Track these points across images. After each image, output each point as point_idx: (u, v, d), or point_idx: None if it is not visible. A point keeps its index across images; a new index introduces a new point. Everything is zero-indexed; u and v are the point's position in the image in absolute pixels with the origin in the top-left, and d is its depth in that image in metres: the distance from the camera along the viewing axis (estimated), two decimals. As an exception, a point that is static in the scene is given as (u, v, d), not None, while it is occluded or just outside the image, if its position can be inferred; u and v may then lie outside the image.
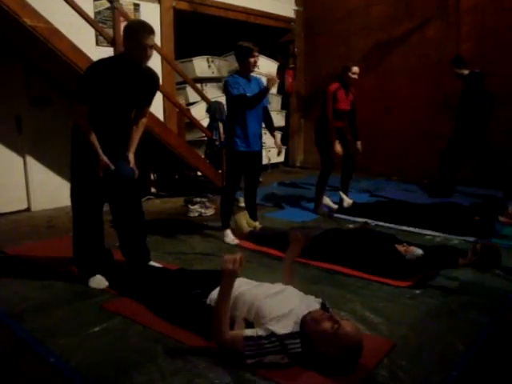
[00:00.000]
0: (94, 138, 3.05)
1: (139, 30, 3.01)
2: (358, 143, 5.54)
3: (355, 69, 5.21)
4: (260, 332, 2.18)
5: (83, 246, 3.28)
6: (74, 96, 3.06)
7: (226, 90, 4.18)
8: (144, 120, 3.39)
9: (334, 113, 5.16)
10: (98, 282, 3.23)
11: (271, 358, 2.16)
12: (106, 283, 3.22)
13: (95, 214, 3.26)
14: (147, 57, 3.07)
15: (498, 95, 6.32)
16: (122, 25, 5.63)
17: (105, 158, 3.07)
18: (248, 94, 4.11)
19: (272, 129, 4.61)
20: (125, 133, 3.29)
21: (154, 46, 3.10)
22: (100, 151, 3.06)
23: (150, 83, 3.29)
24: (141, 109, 3.35)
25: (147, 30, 3.02)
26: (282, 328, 2.18)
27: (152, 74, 3.33)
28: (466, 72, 6.00)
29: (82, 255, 3.30)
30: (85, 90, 3.03)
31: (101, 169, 3.08)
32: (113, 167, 3.09)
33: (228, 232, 4.38)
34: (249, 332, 2.21)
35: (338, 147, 5.16)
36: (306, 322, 2.21)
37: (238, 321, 2.36)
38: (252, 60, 4.12)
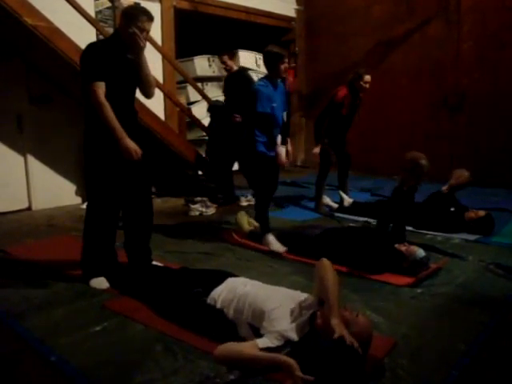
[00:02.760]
0: (115, 121, 2.95)
1: (141, 15, 3.01)
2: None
3: (367, 77, 5.19)
4: (275, 341, 2.17)
5: (93, 248, 3.26)
6: (87, 81, 2.95)
7: (253, 98, 3.95)
8: None
9: (337, 117, 5.18)
10: (100, 282, 3.21)
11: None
12: (107, 284, 3.21)
13: (111, 217, 3.23)
14: (144, 39, 3.04)
15: (498, 94, 6.33)
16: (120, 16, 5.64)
17: (128, 142, 2.97)
18: (274, 105, 4.00)
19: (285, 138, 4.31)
20: (131, 115, 3.21)
21: (149, 32, 3.10)
22: (124, 134, 2.96)
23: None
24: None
25: (149, 15, 3.04)
26: (296, 332, 2.20)
27: None
28: (235, 67, 5.68)
29: (91, 256, 3.27)
30: (95, 67, 2.95)
31: (125, 154, 2.99)
32: (139, 152, 3.01)
33: (272, 238, 4.04)
34: (263, 343, 2.17)
35: (316, 150, 5.26)
36: (315, 318, 2.21)
37: (241, 324, 2.35)
38: (283, 66, 3.98)
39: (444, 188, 4.75)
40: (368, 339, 2.14)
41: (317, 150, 5.24)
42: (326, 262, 2.44)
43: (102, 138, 3.05)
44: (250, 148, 4.03)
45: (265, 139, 4.01)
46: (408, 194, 3.83)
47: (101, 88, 2.94)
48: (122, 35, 3.06)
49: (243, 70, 5.72)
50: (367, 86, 5.22)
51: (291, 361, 2.03)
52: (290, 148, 4.35)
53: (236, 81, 5.55)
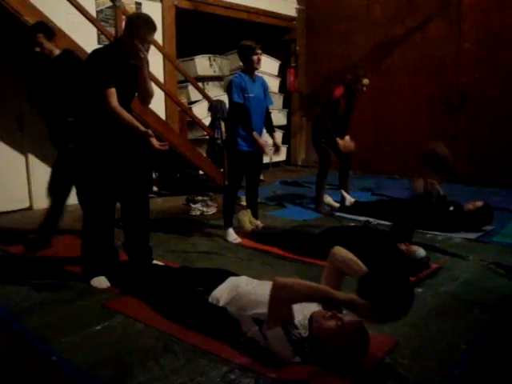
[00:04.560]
0: (129, 116, 3.02)
1: (144, 25, 3.04)
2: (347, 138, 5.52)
3: (365, 81, 5.24)
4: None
5: (92, 247, 3.27)
6: (97, 89, 2.98)
7: (228, 90, 4.20)
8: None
9: (334, 117, 5.22)
10: (101, 281, 3.22)
11: (282, 349, 2.16)
12: (108, 284, 3.21)
13: (108, 214, 3.25)
14: (146, 50, 3.08)
15: (499, 93, 6.31)
16: (124, 23, 5.64)
17: (144, 128, 3.02)
18: (251, 95, 4.15)
19: (271, 130, 4.56)
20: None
21: (151, 42, 3.14)
22: (140, 125, 3.02)
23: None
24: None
25: (151, 26, 3.07)
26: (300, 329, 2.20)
27: None
28: (57, 51, 3.89)
29: (90, 255, 3.28)
30: (103, 74, 2.98)
31: (149, 139, 3.01)
32: (152, 134, 3.02)
33: (230, 231, 4.37)
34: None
35: (341, 142, 5.24)
36: (312, 322, 2.21)
37: (244, 320, 2.35)
38: (255, 58, 4.15)
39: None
40: (362, 341, 2.12)
41: (341, 142, 5.25)
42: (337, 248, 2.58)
43: (96, 139, 3.11)
44: (230, 144, 4.29)
45: (245, 133, 4.17)
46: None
47: (113, 94, 2.98)
48: (124, 42, 3.09)
49: (69, 52, 3.98)
50: (364, 88, 5.27)
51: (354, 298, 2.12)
52: (278, 141, 4.56)
53: (62, 67, 3.87)
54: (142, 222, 3.40)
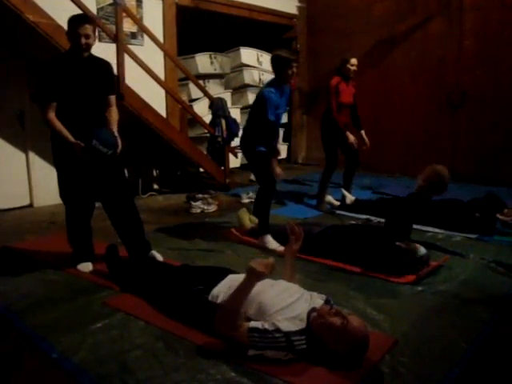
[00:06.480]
0: (60, 126, 3.18)
1: (73, 20, 3.15)
2: (362, 132, 5.56)
3: (353, 60, 5.22)
4: (266, 325, 2.18)
5: (73, 238, 3.52)
6: (38, 99, 3.23)
7: (262, 105, 3.88)
8: (113, 108, 3.46)
9: (337, 106, 5.18)
10: (84, 266, 3.43)
11: (273, 354, 2.16)
12: (91, 268, 3.42)
13: (82, 212, 3.44)
14: (82, 45, 3.13)
15: (500, 92, 6.29)
16: (125, 21, 5.63)
17: (74, 140, 3.15)
18: (280, 111, 4.03)
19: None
20: (94, 125, 3.28)
21: (89, 36, 3.15)
22: (69, 136, 3.16)
23: (102, 71, 3.36)
24: (105, 99, 3.41)
25: (79, 19, 3.17)
26: (287, 325, 2.19)
27: (103, 62, 3.41)
28: None
29: (74, 245, 3.52)
30: (47, 88, 3.15)
31: (78, 151, 3.14)
32: (83, 144, 3.13)
33: (269, 237, 4.08)
34: (254, 324, 2.22)
35: (351, 137, 5.20)
36: (313, 318, 2.22)
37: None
38: (290, 72, 3.88)
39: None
40: (363, 340, 2.13)
41: (351, 137, 5.21)
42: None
43: (62, 143, 3.26)
44: (250, 149, 4.09)
45: (265, 145, 4.03)
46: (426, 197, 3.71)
47: (51, 107, 3.17)
48: (72, 46, 3.19)
49: None
50: (354, 68, 5.24)
51: (255, 267, 2.24)
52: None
53: None
54: (129, 220, 3.48)
